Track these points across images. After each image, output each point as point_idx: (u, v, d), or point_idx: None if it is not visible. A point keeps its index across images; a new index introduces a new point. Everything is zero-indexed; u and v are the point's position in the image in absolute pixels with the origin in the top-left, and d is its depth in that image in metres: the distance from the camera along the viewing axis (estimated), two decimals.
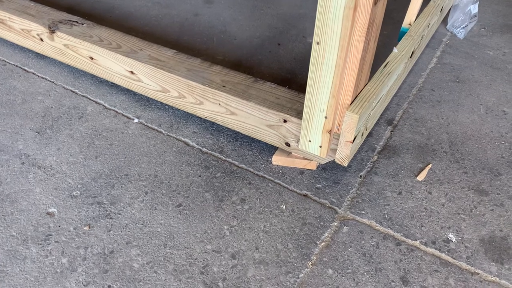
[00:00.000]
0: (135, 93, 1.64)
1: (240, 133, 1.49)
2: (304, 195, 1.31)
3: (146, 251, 1.17)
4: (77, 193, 1.30)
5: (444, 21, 2.03)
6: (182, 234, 1.21)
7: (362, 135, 1.30)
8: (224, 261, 1.15)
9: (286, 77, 1.72)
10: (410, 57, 1.53)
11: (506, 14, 2.15)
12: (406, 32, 1.54)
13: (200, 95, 1.40)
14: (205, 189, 1.32)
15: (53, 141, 1.45)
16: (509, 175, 1.38)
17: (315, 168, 1.38)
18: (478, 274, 1.14)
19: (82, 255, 1.16)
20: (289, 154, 1.38)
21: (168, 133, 1.49)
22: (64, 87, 1.66)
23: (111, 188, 1.32)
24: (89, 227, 1.22)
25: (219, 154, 1.42)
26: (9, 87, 1.65)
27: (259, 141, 1.47)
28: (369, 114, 1.25)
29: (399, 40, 1.52)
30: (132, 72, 1.50)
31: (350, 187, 1.34)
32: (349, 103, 1.17)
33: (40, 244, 1.18)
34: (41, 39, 1.66)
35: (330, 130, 1.21)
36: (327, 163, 1.40)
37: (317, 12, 1.02)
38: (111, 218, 1.24)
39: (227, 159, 1.41)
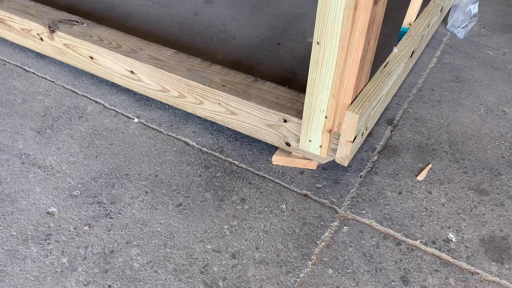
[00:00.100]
0: (135, 93, 1.64)
1: (240, 132, 1.49)
2: (304, 195, 1.31)
3: (146, 250, 1.17)
4: (77, 192, 1.30)
5: (444, 21, 2.03)
6: (182, 233, 1.21)
7: (362, 135, 1.30)
8: (224, 260, 1.15)
9: (286, 77, 1.72)
10: (410, 57, 1.53)
11: (506, 14, 2.16)
12: (406, 32, 1.54)
13: (200, 95, 1.40)
14: (205, 188, 1.32)
15: (53, 140, 1.45)
16: (509, 175, 1.38)
17: (315, 168, 1.38)
18: (478, 274, 1.14)
19: (82, 254, 1.16)
20: (289, 154, 1.38)
21: (168, 133, 1.49)
22: (64, 87, 1.66)
23: (111, 188, 1.32)
24: (89, 227, 1.22)
25: (219, 154, 1.42)
26: (9, 87, 1.65)
27: (259, 141, 1.47)
28: (369, 114, 1.25)
29: (399, 40, 1.52)
30: (132, 72, 1.50)
31: (350, 187, 1.34)
32: (349, 103, 1.17)
33: (40, 243, 1.18)
34: (41, 39, 1.65)
35: (330, 130, 1.21)
36: (327, 163, 1.40)
37: (317, 11, 1.02)
38: (111, 218, 1.24)
39: (227, 158, 1.41)
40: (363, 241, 1.20)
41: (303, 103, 1.24)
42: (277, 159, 1.39)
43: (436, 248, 1.19)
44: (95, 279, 1.11)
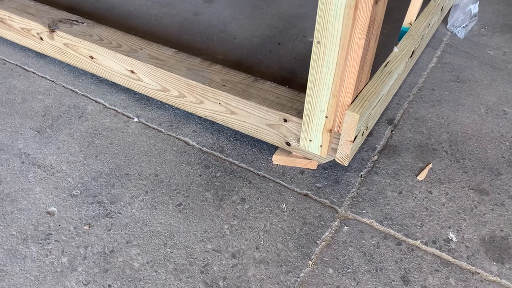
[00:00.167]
0: (135, 93, 1.63)
1: (240, 132, 1.49)
2: (304, 195, 1.31)
3: (146, 250, 1.17)
4: (77, 192, 1.30)
5: (445, 21, 2.03)
6: (182, 233, 1.21)
7: (363, 134, 1.29)
8: (224, 260, 1.15)
9: (286, 77, 1.72)
10: (411, 56, 1.53)
11: (506, 13, 2.15)
12: (406, 32, 1.54)
13: (200, 94, 1.40)
14: (205, 188, 1.32)
15: (53, 140, 1.45)
16: (509, 175, 1.38)
17: (315, 168, 1.38)
18: (479, 273, 1.14)
19: (82, 254, 1.16)
20: (289, 153, 1.38)
21: (168, 133, 1.49)
22: (64, 86, 1.66)
23: (111, 187, 1.31)
24: (89, 226, 1.22)
25: (219, 154, 1.42)
26: (9, 86, 1.65)
27: (259, 141, 1.47)
28: (369, 113, 1.25)
29: (399, 40, 1.52)
30: (132, 71, 1.50)
31: (350, 186, 1.34)
32: (350, 103, 1.16)
33: (40, 243, 1.18)
34: (41, 38, 1.65)
35: (331, 130, 1.21)
36: (327, 162, 1.40)
37: (317, 11, 1.02)
38: (111, 217, 1.24)
39: (227, 158, 1.41)
40: (363, 241, 1.20)
41: (304, 103, 1.24)
42: (277, 159, 1.39)
43: (436, 248, 1.19)
44: (95, 279, 1.11)
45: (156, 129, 1.50)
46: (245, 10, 2.11)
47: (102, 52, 1.52)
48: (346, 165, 1.32)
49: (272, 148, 1.44)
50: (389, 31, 1.97)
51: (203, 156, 1.41)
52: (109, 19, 2.01)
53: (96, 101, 1.60)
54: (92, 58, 1.57)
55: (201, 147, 1.44)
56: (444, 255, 1.17)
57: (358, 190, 1.33)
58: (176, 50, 1.50)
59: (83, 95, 1.62)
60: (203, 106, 1.42)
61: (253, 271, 1.13)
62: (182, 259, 1.15)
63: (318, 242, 1.20)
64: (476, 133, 1.52)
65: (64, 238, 1.19)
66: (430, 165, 1.40)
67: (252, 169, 1.38)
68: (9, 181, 1.33)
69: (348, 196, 1.31)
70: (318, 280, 1.12)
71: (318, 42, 1.07)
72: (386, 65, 1.34)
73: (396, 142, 1.48)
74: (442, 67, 1.80)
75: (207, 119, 1.53)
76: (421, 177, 1.37)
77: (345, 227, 1.23)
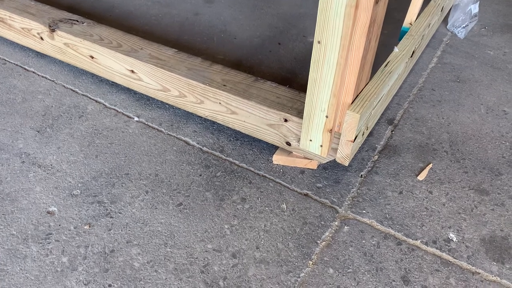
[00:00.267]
0: (135, 92, 1.63)
1: (240, 132, 1.49)
2: (304, 195, 1.31)
3: (146, 250, 1.17)
4: (77, 192, 1.30)
5: (445, 21, 2.03)
6: (183, 233, 1.21)
7: (363, 134, 1.29)
8: (224, 260, 1.15)
9: (286, 77, 1.72)
10: (411, 56, 1.53)
11: (507, 13, 2.16)
12: (407, 32, 1.54)
13: (201, 94, 1.40)
14: (206, 188, 1.32)
15: (53, 140, 1.45)
16: (509, 175, 1.38)
17: (315, 168, 1.38)
18: (479, 273, 1.14)
19: (82, 254, 1.16)
20: (289, 153, 1.38)
21: (169, 132, 1.49)
22: (64, 86, 1.66)
23: (111, 187, 1.31)
24: (89, 226, 1.22)
25: (219, 153, 1.42)
26: (9, 86, 1.65)
27: (259, 141, 1.47)
28: (370, 113, 1.25)
29: (400, 40, 1.52)
30: (132, 71, 1.50)
31: (350, 186, 1.34)
32: (350, 102, 1.16)
33: (41, 243, 1.18)
34: (41, 38, 1.65)
35: (331, 130, 1.21)
36: (327, 162, 1.40)
37: (318, 10, 1.02)
38: (111, 217, 1.24)
39: (228, 158, 1.41)
40: (363, 241, 1.20)
41: (304, 103, 1.24)
42: (278, 159, 1.39)
43: (436, 248, 1.19)
44: (95, 279, 1.11)
45: (157, 129, 1.50)
46: (245, 10, 2.11)
47: (102, 52, 1.52)
48: (347, 165, 1.32)
49: (273, 148, 1.44)
50: (390, 31, 1.97)
51: (203, 156, 1.41)
52: (109, 19, 2.01)
53: (96, 101, 1.60)
54: (92, 58, 1.57)
55: (201, 147, 1.44)
56: (444, 255, 1.17)
57: (358, 190, 1.33)
58: (176, 50, 1.50)
59: (83, 94, 1.62)
60: (203, 106, 1.42)
61: (254, 271, 1.13)
62: (182, 259, 1.15)
63: (318, 242, 1.20)
64: (476, 133, 1.52)
65: (64, 237, 1.19)
66: (430, 165, 1.40)
67: (252, 169, 1.38)
68: (9, 180, 1.33)
69: (349, 196, 1.31)
70: (319, 280, 1.12)
71: (319, 42, 1.07)
72: (386, 65, 1.34)
73: (396, 142, 1.48)
74: (442, 67, 1.80)
75: (208, 119, 1.53)
76: (421, 177, 1.37)
77: (345, 227, 1.23)
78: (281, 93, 1.34)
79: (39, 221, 1.22)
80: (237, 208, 1.27)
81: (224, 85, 1.36)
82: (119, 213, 1.25)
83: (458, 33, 1.96)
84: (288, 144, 1.34)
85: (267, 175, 1.36)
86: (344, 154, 1.24)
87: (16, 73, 1.71)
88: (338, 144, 1.23)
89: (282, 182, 1.34)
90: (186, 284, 1.10)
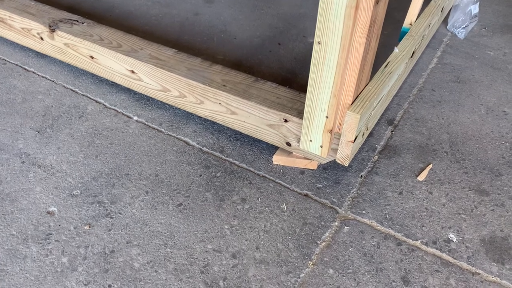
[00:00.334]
0: (135, 93, 1.63)
1: (240, 132, 1.49)
2: (304, 195, 1.31)
3: (146, 250, 1.17)
4: (77, 192, 1.30)
5: (445, 21, 2.03)
6: (183, 233, 1.21)
7: (363, 135, 1.29)
8: (224, 260, 1.15)
9: (286, 77, 1.72)
10: (411, 57, 1.53)
11: (507, 14, 2.16)
12: (407, 32, 1.54)
13: (201, 95, 1.39)
14: (206, 188, 1.32)
15: (53, 140, 1.45)
16: (509, 176, 1.38)
17: (315, 168, 1.38)
18: (479, 274, 1.14)
19: (82, 254, 1.16)
20: (289, 153, 1.38)
21: (169, 133, 1.49)
22: (64, 86, 1.66)
23: (111, 187, 1.31)
24: (89, 226, 1.22)
25: (219, 154, 1.42)
26: (9, 86, 1.65)
27: (259, 141, 1.47)
28: (370, 114, 1.25)
29: (400, 40, 1.52)
30: (132, 71, 1.50)
31: (350, 187, 1.34)
32: (350, 103, 1.16)
33: (40, 243, 1.18)
34: (41, 38, 1.65)
35: (331, 130, 1.21)
36: (327, 163, 1.40)
37: (318, 11, 1.02)
38: (111, 218, 1.24)
39: (228, 158, 1.41)
40: (363, 241, 1.20)
41: (304, 103, 1.24)
42: (278, 159, 1.39)
43: (436, 249, 1.19)
44: (95, 279, 1.11)
45: (157, 129, 1.50)
46: (245, 10, 2.11)
47: (102, 52, 1.52)
48: (347, 166, 1.32)
49: (273, 149, 1.44)
50: (390, 32, 1.97)
51: (203, 156, 1.41)
52: (109, 19, 2.01)
53: (96, 101, 1.60)
54: (92, 58, 1.57)
55: (201, 147, 1.44)
56: (444, 256, 1.17)
57: (358, 191, 1.33)
58: (176, 50, 1.50)
59: (83, 95, 1.62)
60: (203, 106, 1.42)
61: (254, 271, 1.13)
62: (182, 259, 1.15)
63: (318, 242, 1.20)
64: (476, 133, 1.52)
65: (64, 238, 1.19)
66: (430, 166, 1.40)
67: (252, 169, 1.38)
68: (9, 181, 1.33)
69: (349, 196, 1.31)
70: (318, 281, 1.12)
71: (319, 43, 1.07)
72: (386, 65, 1.34)
73: (397, 143, 1.48)
74: (443, 67, 1.80)
75: (208, 119, 1.53)
76: (421, 177, 1.37)
77: (345, 227, 1.23)
78: (281, 93, 1.34)
79: (39, 221, 1.22)
80: (237, 209, 1.27)
81: (224, 86, 1.36)
82: (119, 213, 1.25)
83: (458, 33, 1.96)
84: (288, 144, 1.34)
85: (267, 176, 1.36)
86: (344, 154, 1.24)
87: (16, 73, 1.71)
88: (338, 145, 1.23)
89: (282, 183, 1.34)
90: (186, 284, 1.10)
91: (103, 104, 1.59)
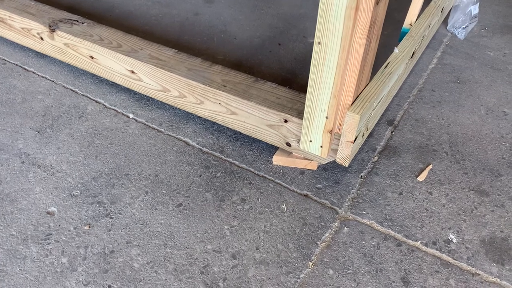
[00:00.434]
0: (135, 93, 1.63)
1: (240, 133, 1.49)
2: (304, 195, 1.31)
3: (146, 250, 1.17)
4: (77, 192, 1.30)
5: (445, 22, 2.03)
6: (183, 234, 1.21)
7: (363, 135, 1.29)
8: (224, 261, 1.15)
9: (286, 77, 1.72)
10: (411, 57, 1.53)
11: (507, 15, 2.16)
12: (407, 33, 1.54)
13: (201, 95, 1.39)
14: (206, 189, 1.32)
15: (53, 140, 1.45)
16: (509, 176, 1.38)
17: (315, 168, 1.38)
18: (479, 275, 1.14)
19: (82, 254, 1.16)
20: (289, 154, 1.38)
21: (169, 133, 1.49)
22: (64, 86, 1.66)
23: (111, 188, 1.31)
24: (89, 227, 1.22)
25: (219, 154, 1.42)
26: (9, 86, 1.65)
27: (259, 141, 1.47)
28: (370, 114, 1.25)
29: (400, 41, 1.52)
30: (132, 72, 1.50)
31: (350, 187, 1.34)
32: (350, 103, 1.16)
33: (40, 243, 1.18)
34: (41, 38, 1.65)
35: (331, 130, 1.21)
36: (327, 163, 1.40)
37: (318, 12, 1.02)
38: (111, 218, 1.24)
39: (228, 159, 1.41)
40: (363, 242, 1.20)
41: (304, 104, 1.24)
42: (278, 159, 1.39)
43: (436, 249, 1.19)
44: (95, 279, 1.10)
45: (156, 129, 1.50)
46: (245, 10, 2.11)
47: (102, 52, 1.52)
48: (347, 166, 1.32)
49: (272, 149, 1.44)
50: (390, 32, 1.97)
51: (203, 156, 1.41)
52: (109, 19, 2.01)
53: (96, 101, 1.60)
54: (92, 58, 1.57)
55: (201, 147, 1.44)
56: (444, 256, 1.17)
57: (358, 191, 1.33)
58: (176, 51, 1.50)
59: (83, 95, 1.62)
60: (203, 106, 1.42)
61: (253, 271, 1.13)
62: (182, 259, 1.15)
63: (318, 243, 1.20)
64: (476, 134, 1.52)
65: (64, 238, 1.19)
66: (430, 166, 1.40)
67: (252, 170, 1.38)
68: (9, 181, 1.33)
69: (348, 197, 1.31)
70: (318, 281, 1.12)
71: (319, 43, 1.07)
72: (386, 66, 1.34)
73: (396, 143, 1.48)
74: (442, 68, 1.80)
75: (208, 120, 1.53)
76: (421, 178, 1.37)
77: (345, 228, 1.23)
78: (281, 93, 1.34)
79: (38, 222, 1.22)
80: (237, 209, 1.27)
81: (224, 86, 1.36)
82: (119, 213, 1.25)
83: (458, 34, 1.96)
84: (288, 144, 1.34)
85: (267, 176, 1.36)
86: (344, 155, 1.24)
87: (16, 73, 1.71)
88: (338, 145, 1.23)
89: (282, 183, 1.34)
90: (186, 285, 1.10)
91: (103, 104, 1.58)
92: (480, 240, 1.21)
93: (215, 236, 1.20)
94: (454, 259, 1.17)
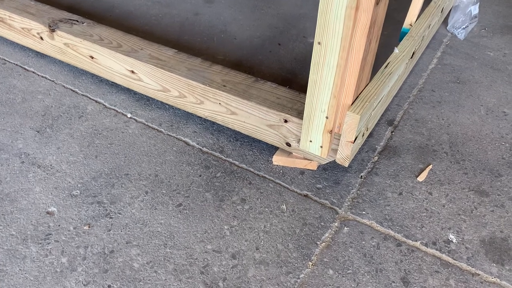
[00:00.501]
0: (135, 93, 1.63)
1: (240, 133, 1.49)
2: (304, 195, 1.31)
3: (146, 250, 1.17)
4: (77, 192, 1.30)
5: (445, 22, 2.03)
6: (182, 234, 1.21)
7: (363, 135, 1.29)
8: (224, 261, 1.15)
9: (286, 77, 1.72)
10: (411, 57, 1.53)
11: (507, 15, 2.16)
12: (407, 33, 1.54)
13: (201, 95, 1.39)
14: (206, 189, 1.32)
15: (53, 140, 1.45)
16: (509, 176, 1.38)
17: (315, 168, 1.38)
18: (479, 275, 1.14)
19: (82, 254, 1.15)
20: (289, 154, 1.38)
21: (169, 133, 1.49)
22: (64, 86, 1.66)
23: (111, 188, 1.31)
24: (89, 227, 1.22)
25: (219, 154, 1.42)
26: (9, 86, 1.65)
27: (259, 141, 1.47)
28: (370, 114, 1.25)
29: (400, 41, 1.52)
30: (132, 72, 1.50)
31: (350, 187, 1.34)
32: (350, 104, 1.16)
33: (40, 243, 1.18)
34: (41, 38, 1.65)
35: (331, 130, 1.21)
36: (327, 163, 1.40)
37: (318, 12, 1.02)
38: (111, 218, 1.24)
39: (228, 159, 1.41)
40: (363, 242, 1.20)
41: (304, 104, 1.24)
42: (278, 160, 1.39)
43: (436, 249, 1.19)
44: (94, 279, 1.10)
45: (156, 129, 1.50)
46: (245, 10, 2.11)
47: (102, 52, 1.52)
48: (346, 166, 1.32)
49: (272, 149, 1.44)
50: (390, 32, 1.97)
51: (203, 156, 1.41)
52: (109, 19, 2.01)
53: (96, 101, 1.60)
54: (92, 58, 1.57)
55: (201, 147, 1.44)
56: (444, 256, 1.17)
57: (358, 191, 1.33)
58: (176, 51, 1.50)
59: (83, 95, 1.62)
60: (203, 106, 1.42)
61: (253, 271, 1.13)
62: (182, 259, 1.15)
63: (318, 243, 1.20)
64: (476, 134, 1.52)
65: (64, 238, 1.19)
66: (430, 166, 1.40)
67: (252, 170, 1.38)
68: (9, 181, 1.32)
69: (348, 197, 1.31)
70: (318, 281, 1.12)
71: (319, 43, 1.07)
72: (386, 66, 1.34)
73: (396, 143, 1.48)
74: (442, 68, 1.80)
75: (207, 120, 1.53)
76: (421, 178, 1.37)
77: (345, 228, 1.23)
78: (281, 93, 1.34)
79: (38, 222, 1.22)
80: (237, 209, 1.27)
81: (224, 86, 1.36)
82: (119, 213, 1.25)
83: (458, 34, 1.96)
84: (288, 145, 1.34)
85: (267, 176, 1.36)
86: (344, 155, 1.24)
87: (16, 73, 1.71)
88: (338, 145, 1.23)
89: (282, 183, 1.34)
90: (186, 285, 1.10)
91: (103, 104, 1.58)
92: (480, 240, 1.21)
93: (215, 236, 1.20)
94: (454, 259, 1.17)
